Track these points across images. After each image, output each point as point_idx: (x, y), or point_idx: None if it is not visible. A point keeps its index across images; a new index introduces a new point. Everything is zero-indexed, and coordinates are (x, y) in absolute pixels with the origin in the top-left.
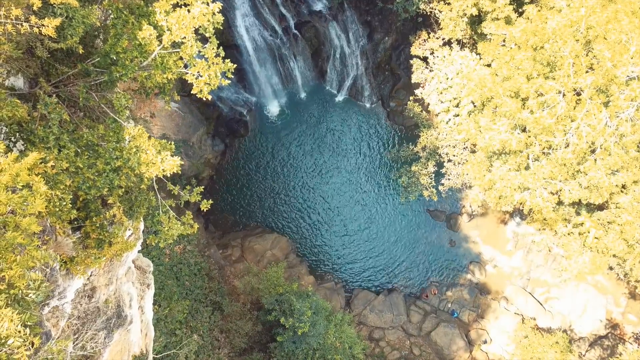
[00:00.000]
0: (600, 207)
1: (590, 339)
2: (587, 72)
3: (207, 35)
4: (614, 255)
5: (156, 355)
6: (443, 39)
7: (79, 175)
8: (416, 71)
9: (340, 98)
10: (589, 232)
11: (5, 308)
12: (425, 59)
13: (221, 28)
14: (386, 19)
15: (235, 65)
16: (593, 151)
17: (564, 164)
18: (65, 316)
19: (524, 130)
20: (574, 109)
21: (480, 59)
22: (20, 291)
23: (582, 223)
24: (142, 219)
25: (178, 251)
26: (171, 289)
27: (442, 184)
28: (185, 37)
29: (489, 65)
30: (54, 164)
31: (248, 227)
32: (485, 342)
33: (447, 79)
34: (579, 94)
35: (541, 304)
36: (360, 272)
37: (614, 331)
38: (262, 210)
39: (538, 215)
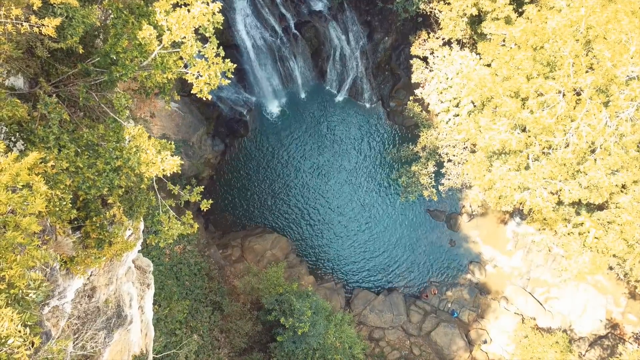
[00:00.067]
0: (600, 207)
1: (590, 339)
2: (587, 72)
3: (207, 35)
4: (614, 255)
5: (156, 355)
6: (443, 39)
7: (79, 175)
8: (416, 71)
9: (340, 98)
10: (589, 232)
11: (5, 308)
12: (425, 59)
13: (221, 28)
14: (386, 19)
15: (235, 65)
16: (593, 151)
17: (564, 164)
18: (65, 316)
19: (524, 130)
20: (574, 108)
21: (480, 58)
22: (20, 291)
23: (582, 223)
24: (142, 218)
25: (178, 251)
26: (171, 288)
27: (442, 184)
28: (185, 37)
29: (489, 65)
30: (54, 164)
31: (248, 227)
32: (485, 342)
33: (447, 79)
34: (579, 94)
35: (541, 304)
36: (360, 272)
37: (614, 331)
38: (262, 210)
39: (538, 215)
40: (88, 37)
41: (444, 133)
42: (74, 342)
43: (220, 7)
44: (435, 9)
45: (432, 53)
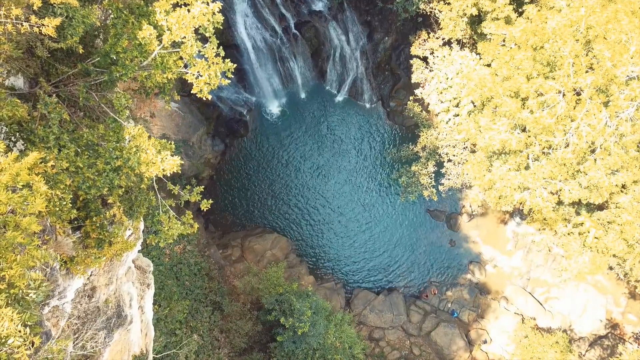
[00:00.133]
0: (600, 207)
1: (590, 339)
2: (587, 72)
3: (207, 35)
4: (614, 255)
5: (156, 355)
6: (443, 39)
7: (79, 174)
8: (416, 71)
9: (340, 98)
10: (589, 232)
11: (5, 307)
12: (425, 59)
13: (221, 28)
14: (386, 19)
15: (235, 65)
16: (593, 151)
17: (564, 164)
18: (65, 316)
19: (523, 130)
20: (574, 108)
21: (480, 58)
22: (20, 291)
23: (582, 223)
24: (142, 218)
25: (178, 251)
26: (171, 288)
27: (442, 184)
28: (185, 37)
29: (489, 65)
30: (54, 164)
31: (248, 227)
32: (485, 342)
33: (447, 78)
34: (578, 94)
35: (541, 304)
36: (360, 271)
37: (614, 331)
38: (262, 210)
39: (538, 215)
40: (88, 37)
41: (444, 133)
42: (74, 342)
43: (220, 7)
44: (435, 9)
45: (432, 53)
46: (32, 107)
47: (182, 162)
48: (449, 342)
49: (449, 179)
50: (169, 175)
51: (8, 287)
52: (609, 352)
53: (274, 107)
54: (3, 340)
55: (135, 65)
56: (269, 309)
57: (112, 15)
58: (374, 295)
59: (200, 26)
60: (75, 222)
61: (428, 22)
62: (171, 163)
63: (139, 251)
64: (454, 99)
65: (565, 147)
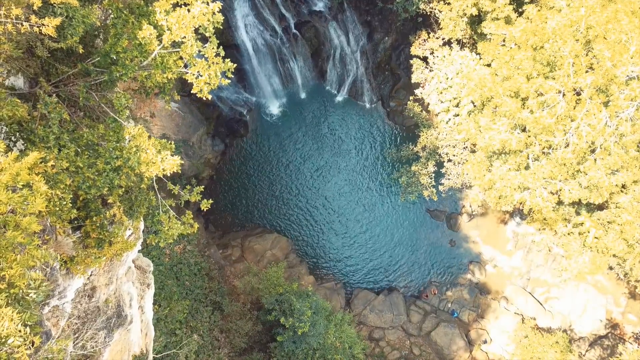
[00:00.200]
0: (600, 207)
1: (590, 339)
2: (587, 71)
3: (207, 34)
4: (614, 255)
5: (156, 355)
6: (443, 39)
7: (79, 174)
8: (416, 71)
9: (340, 98)
10: (589, 232)
11: (5, 307)
12: (425, 59)
13: (221, 28)
14: (386, 19)
15: (235, 65)
16: (593, 151)
17: (564, 164)
18: (66, 316)
19: (523, 130)
20: (574, 108)
21: (480, 58)
22: (20, 290)
23: (582, 223)
24: (142, 218)
25: (178, 251)
26: (171, 288)
27: (442, 184)
28: (185, 37)
29: (488, 65)
30: (54, 164)
31: (248, 227)
32: (485, 342)
33: (447, 78)
34: (578, 94)
35: (541, 304)
36: (360, 271)
37: (614, 331)
38: (262, 210)
39: (538, 215)
40: (88, 37)
41: (444, 133)
42: (74, 342)
43: (220, 7)
44: (435, 9)
45: (432, 53)
46: (32, 107)
47: (182, 162)
48: (449, 342)
49: (449, 179)
50: (169, 175)
51: (8, 287)
52: (609, 352)
53: (274, 107)
54: (3, 340)
55: (135, 65)
56: (269, 309)
57: (112, 15)
58: (374, 295)
59: (200, 26)
60: (75, 222)
61: (428, 22)
62: (171, 163)
63: (139, 251)
64: (454, 99)
65: (565, 147)
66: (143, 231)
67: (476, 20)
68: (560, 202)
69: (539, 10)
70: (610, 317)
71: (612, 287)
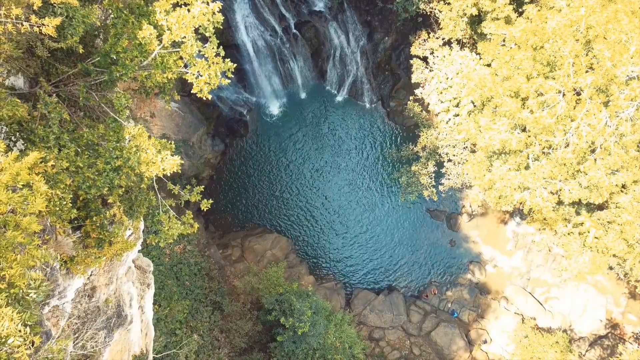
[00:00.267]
0: (600, 207)
1: (590, 339)
2: (587, 71)
3: (207, 34)
4: (614, 255)
5: (156, 354)
6: (443, 39)
7: (79, 174)
8: (416, 71)
9: (340, 98)
10: (589, 232)
11: (5, 307)
12: (425, 59)
13: (221, 28)
14: (386, 19)
15: (235, 65)
16: (593, 151)
17: (564, 164)
18: (66, 315)
19: (524, 130)
20: (574, 108)
21: (480, 58)
22: (20, 290)
23: (582, 223)
24: (142, 218)
25: (178, 251)
26: (171, 288)
27: (442, 184)
28: (185, 37)
29: (489, 65)
30: (54, 164)
31: (248, 227)
32: (485, 342)
33: (447, 78)
34: (578, 94)
35: (541, 304)
36: (360, 271)
37: (614, 331)
38: (262, 210)
39: (538, 215)
40: (88, 37)
41: (444, 133)
42: (74, 342)
43: (220, 7)
44: (435, 9)
45: (432, 53)
46: (32, 107)
47: (182, 162)
48: (449, 342)
49: (449, 179)
50: (169, 175)
51: (8, 287)
52: (609, 352)
53: (274, 107)
54: (3, 340)
55: (135, 65)
56: (269, 309)
57: (112, 15)
58: (374, 295)
59: (200, 26)
60: (75, 221)
61: (428, 22)
62: (171, 163)
63: (139, 251)
64: (454, 99)
65: (565, 147)
66: (143, 231)
67: (476, 20)
68: (560, 202)
69: (539, 10)
70: (610, 317)
71: (612, 287)
